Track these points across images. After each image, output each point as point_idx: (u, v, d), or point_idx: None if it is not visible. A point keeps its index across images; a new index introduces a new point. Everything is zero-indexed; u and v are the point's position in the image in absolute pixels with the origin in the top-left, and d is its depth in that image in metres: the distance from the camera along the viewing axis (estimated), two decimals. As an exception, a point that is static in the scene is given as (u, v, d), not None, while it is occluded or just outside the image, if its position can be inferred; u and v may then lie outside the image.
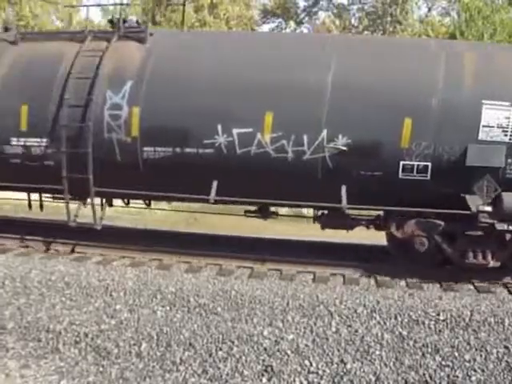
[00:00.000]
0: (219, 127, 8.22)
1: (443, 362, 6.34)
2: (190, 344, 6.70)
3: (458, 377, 6.17)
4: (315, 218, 9.19)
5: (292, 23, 38.94)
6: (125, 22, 9.33)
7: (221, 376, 6.33)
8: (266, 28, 40.71)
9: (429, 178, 8.03)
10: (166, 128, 8.38)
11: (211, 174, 8.35)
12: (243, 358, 6.50)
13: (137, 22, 9.55)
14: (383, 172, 8.08)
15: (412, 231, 8.30)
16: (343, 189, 8.15)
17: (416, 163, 8.00)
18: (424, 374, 6.24)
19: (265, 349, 6.58)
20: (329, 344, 6.63)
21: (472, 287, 8.15)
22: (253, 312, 7.17)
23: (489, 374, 6.19)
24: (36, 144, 8.85)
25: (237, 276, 8.45)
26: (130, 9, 32.24)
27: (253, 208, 9.52)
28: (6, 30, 10.13)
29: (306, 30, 39.50)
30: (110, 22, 9.56)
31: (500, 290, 8.05)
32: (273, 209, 9.72)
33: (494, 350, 6.42)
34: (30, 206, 10.45)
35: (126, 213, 14.44)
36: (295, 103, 8.11)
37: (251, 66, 8.48)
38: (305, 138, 8.08)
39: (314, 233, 10.40)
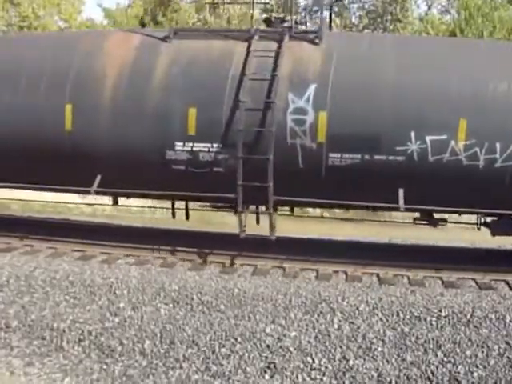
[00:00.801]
0: (412, 134, 7.96)
1: (445, 358, 6.39)
2: (193, 341, 6.75)
3: (459, 373, 6.21)
4: (482, 225, 9.04)
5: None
6: (284, 21, 9.00)
7: (224, 373, 6.38)
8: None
9: None
10: (356, 134, 7.99)
11: (398, 182, 8.08)
12: (246, 354, 6.54)
13: (295, 21, 9.15)
14: None
15: None
16: None
17: None
18: (426, 370, 6.28)
19: (267, 346, 6.62)
20: (331, 341, 6.67)
21: (474, 284, 8.17)
22: (256, 309, 7.20)
23: (490, 369, 6.24)
24: (205, 149, 8.32)
25: (240, 274, 8.47)
26: (131, 9, 32.27)
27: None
28: (143, 25, 9.60)
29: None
30: (267, 20, 9.11)
31: (501, 286, 8.07)
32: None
33: (496, 346, 6.46)
34: (173, 215, 9.89)
35: (126, 211, 14.47)
36: (488, 111, 7.96)
37: (444, 72, 8.20)
38: (497, 145, 7.92)
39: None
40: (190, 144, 8.35)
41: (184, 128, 8.32)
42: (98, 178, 8.71)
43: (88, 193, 8.94)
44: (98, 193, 8.91)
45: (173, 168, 8.47)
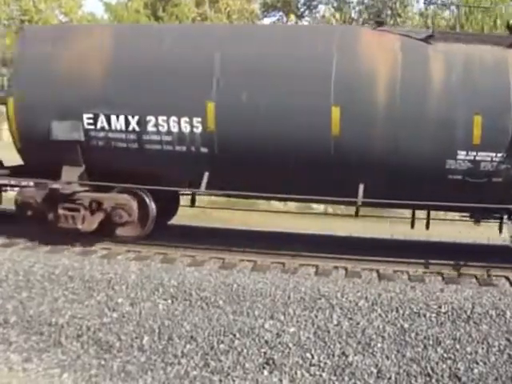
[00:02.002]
0: None
1: (445, 355, 6.35)
2: (192, 337, 6.71)
3: (459, 369, 6.17)
4: None
5: (293, 17, 38.96)
6: None
7: (222, 369, 6.34)
8: (266, 22, 40.76)
9: None
10: None
11: None
12: (245, 350, 6.51)
13: None
14: None
15: None
16: None
17: None
18: (426, 367, 6.24)
19: (266, 341, 6.59)
20: (330, 337, 6.64)
21: (474, 280, 8.15)
22: (254, 305, 7.17)
23: (491, 366, 6.20)
24: (488, 159, 8.16)
25: (239, 269, 8.45)
26: (131, 3, 32.12)
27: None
28: (380, 24, 9.00)
29: (306, 24, 39.57)
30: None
31: (502, 282, 8.05)
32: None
33: (496, 343, 6.43)
34: (412, 224, 9.50)
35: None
36: None
37: None
38: None
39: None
40: (474, 153, 8.17)
41: (468, 136, 8.13)
42: (361, 187, 8.43)
43: (353, 204, 8.63)
44: (363, 204, 8.62)
45: (448, 178, 8.29)
